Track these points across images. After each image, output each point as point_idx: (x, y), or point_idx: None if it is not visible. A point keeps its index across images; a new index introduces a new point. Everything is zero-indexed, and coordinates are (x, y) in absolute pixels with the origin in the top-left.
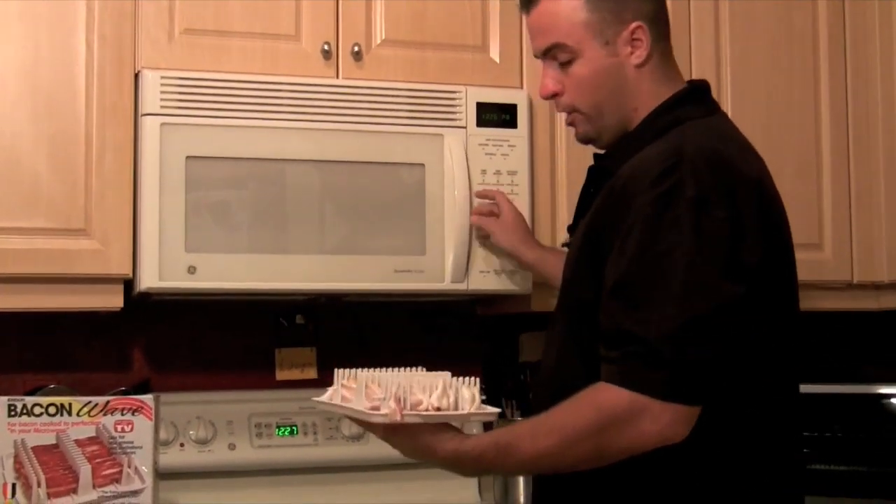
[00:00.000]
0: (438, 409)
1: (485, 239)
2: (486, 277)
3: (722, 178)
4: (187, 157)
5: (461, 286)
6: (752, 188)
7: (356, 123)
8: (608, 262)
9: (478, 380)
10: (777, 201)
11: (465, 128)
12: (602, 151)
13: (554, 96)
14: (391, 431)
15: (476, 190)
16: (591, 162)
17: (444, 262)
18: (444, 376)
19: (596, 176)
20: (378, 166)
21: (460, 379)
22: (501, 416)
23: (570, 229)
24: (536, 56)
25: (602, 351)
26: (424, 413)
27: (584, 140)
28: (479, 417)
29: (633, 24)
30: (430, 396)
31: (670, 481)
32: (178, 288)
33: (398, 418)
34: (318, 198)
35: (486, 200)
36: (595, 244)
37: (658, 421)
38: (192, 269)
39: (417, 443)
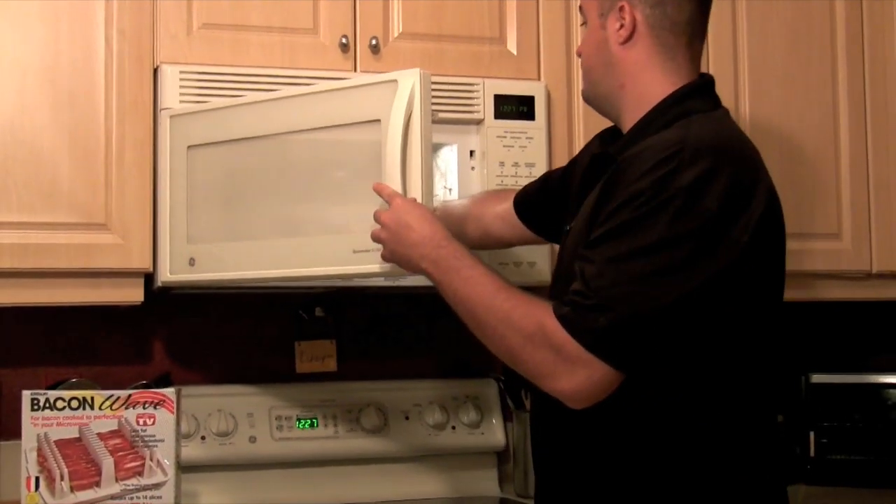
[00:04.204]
0: None
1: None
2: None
3: (720, 167)
4: (188, 147)
5: None
6: (751, 179)
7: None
8: (593, 231)
9: None
10: (774, 194)
11: (483, 120)
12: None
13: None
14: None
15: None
16: None
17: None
18: None
19: (600, 163)
20: (338, 129)
21: None
22: (520, 406)
23: (569, 216)
24: None
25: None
26: None
27: (584, 98)
28: None
29: (620, 2)
30: None
31: (661, 470)
32: (182, 281)
33: None
34: (321, 180)
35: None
36: (592, 231)
37: (573, 366)
38: (191, 261)
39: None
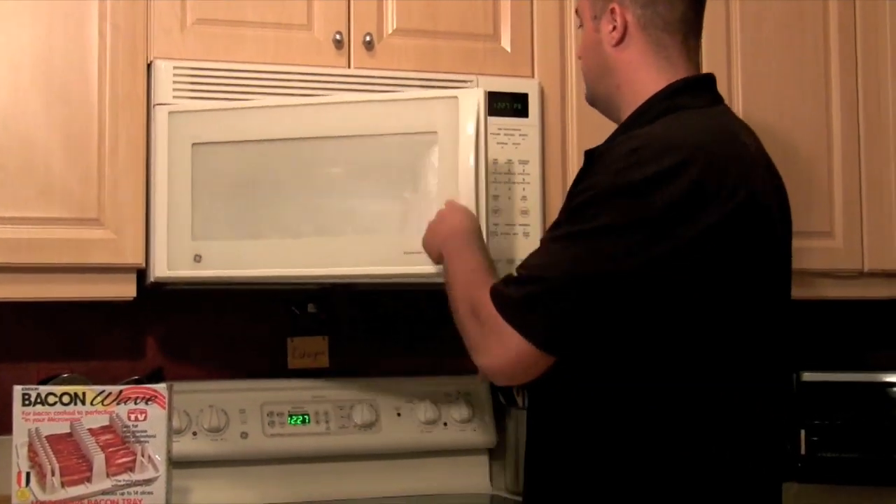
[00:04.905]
0: None
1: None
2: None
3: (686, 165)
4: (193, 144)
5: None
6: (719, 181)
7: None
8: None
9: None
10: (751, 198)
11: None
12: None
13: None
14: None
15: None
16: None
17: None
18: None
19: (588, 160)
20: (387, 138)
21: None
22: (512, 403)
23: None
24: None
25: None
26: None
27: (587, 101)
28: None
29: (611, 5)
30: None
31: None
32: (185, 277)
33: None
34: (323, 179)
35: None
36: None
37: (494, 338)
38: (197, 258)
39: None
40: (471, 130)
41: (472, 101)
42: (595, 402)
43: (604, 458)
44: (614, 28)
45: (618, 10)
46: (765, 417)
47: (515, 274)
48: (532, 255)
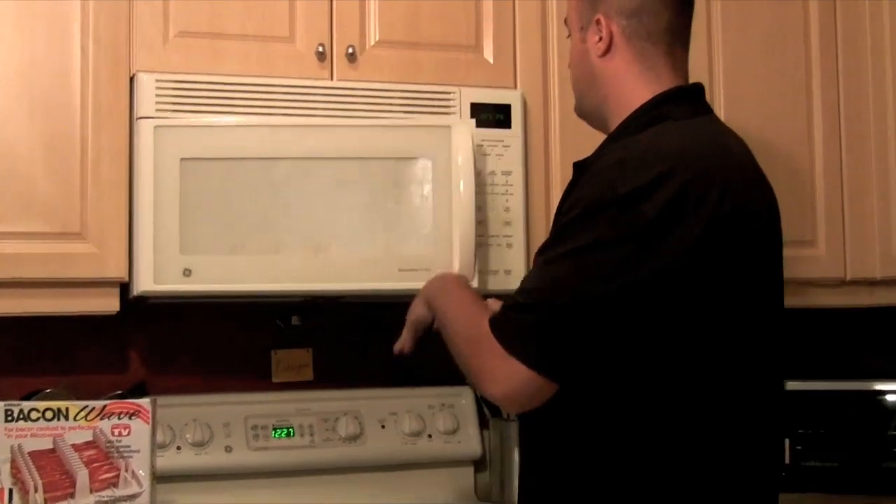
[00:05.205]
0: None
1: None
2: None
3: (669, 176)
4: (181, 160)
5: None
6: (702, 192)
7: (353, 125)
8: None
9: None
10: (737, 209)
11: None
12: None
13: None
14: None
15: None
16: None
17: (451, 261)
18: None
19: (577, 172)
20: (379, 161)
21: None
22: (497, 414)
23: None
24: None
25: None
26: None
27: (576, 113)
28: None
29: (597, 16)
30: None
31: (648, 476)
32: (174, 291)
33: None
34: (316, 197)
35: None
36: None
37: (499, 368)
38: (187, 272)
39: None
40: (462, 160)
41: (464, 130)
42: (590, 412)
43: (600, 467)
44: (600, 39)
45: (603, 21)
46: (760, 426)
47: (512, 300)
48: (528, 279)
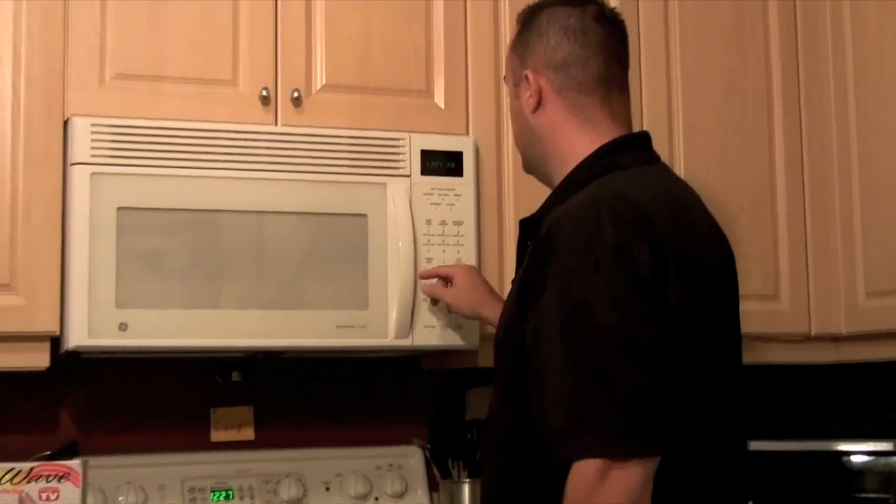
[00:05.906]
0: None
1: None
2: (432, 332)
3: (639, 224)
4: (118, 209)
5: (405, 342)
6: (665, 239)
7: (296, 172)
8: (530, 316)
9: None
10: (701, 259)
11: (409, 176)
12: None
13: None
14: None
15: (421, 262)
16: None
17: (387, 317)
18: None
19: (529, 229)
20: (318, 217)
21: None
22: (447, 476)
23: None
24: None
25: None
26: None
27: (524, 170)
28: None
29: (525, 71)
30: None
31: None
32: (109, 346)
33: None
34: (257, 251)
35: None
36: (522, 301)
37: (626, 480)
38: (123, 326)
39: None
40: (400, 217)
41: (401, 188)
42: (556, 476)
43: None
44: (531, 94)
45: (531, 76)
46: (722, 488)
47: (549, 427)
48: (547, 390)
